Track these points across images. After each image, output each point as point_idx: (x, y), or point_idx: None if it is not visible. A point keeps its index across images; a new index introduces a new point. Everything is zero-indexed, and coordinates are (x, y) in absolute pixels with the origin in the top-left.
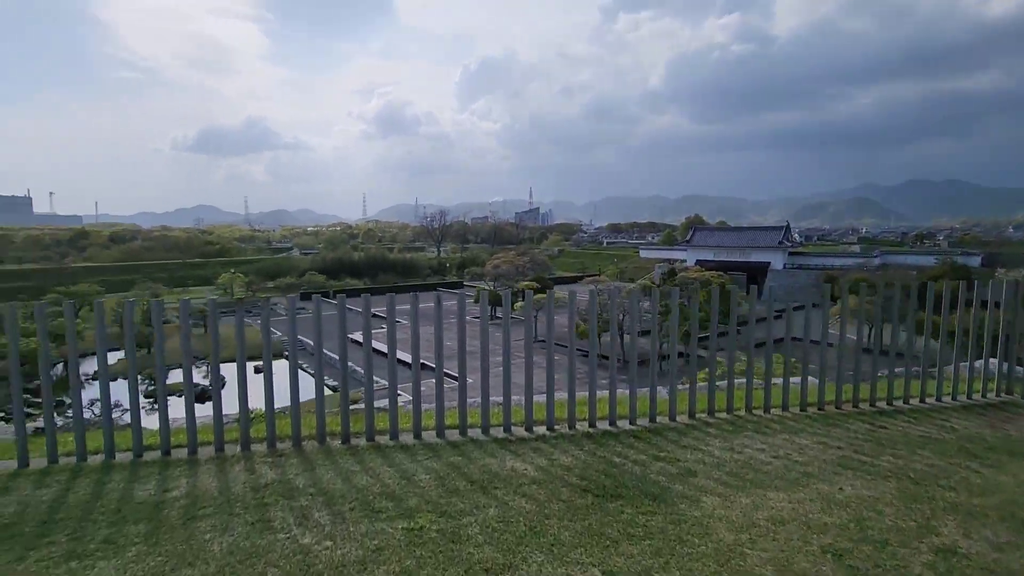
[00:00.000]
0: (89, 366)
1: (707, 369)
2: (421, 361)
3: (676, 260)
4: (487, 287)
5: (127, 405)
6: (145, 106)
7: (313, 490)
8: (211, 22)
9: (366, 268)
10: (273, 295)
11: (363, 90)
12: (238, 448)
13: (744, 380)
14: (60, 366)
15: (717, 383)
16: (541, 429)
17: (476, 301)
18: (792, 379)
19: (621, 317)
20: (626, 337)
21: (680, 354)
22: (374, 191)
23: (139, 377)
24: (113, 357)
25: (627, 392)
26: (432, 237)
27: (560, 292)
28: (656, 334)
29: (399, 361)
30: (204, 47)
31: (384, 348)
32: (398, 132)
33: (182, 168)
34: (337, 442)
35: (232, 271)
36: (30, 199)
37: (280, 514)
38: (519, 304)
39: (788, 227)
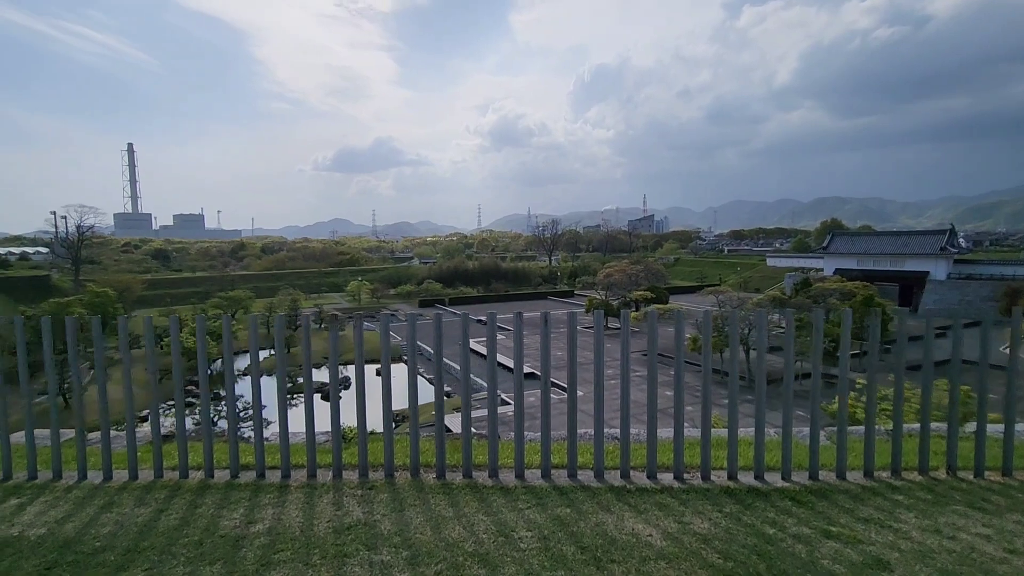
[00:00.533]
0: (245, 360)
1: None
2: (533, 372)
3: (810, 269)
4: (599, 296)
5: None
6: (293, 132)
7: (398, 539)
8: (349, 54)
9: (480, 276)
10: (394, 302)
11: (479, 106)
12: (330, 475)
13: (943, 427)
14: (218, 362)
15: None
16: (667, 477)
17: (587, 311)
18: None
19: (746, 331)
20: (752, 354)
21: (825, 376)
22: (489, 202)
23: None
24: (260, 355)
25: (772, 433)
26: (544, 246)
27: (676, 303)
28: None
29: (509, 369)
30: (342, 77)
31: (498, 358)
32: (512, 144)
33: (321, 186)
34: (432, 476)
35: (359, 279)
36: (202, 216)
37: (358, 571)
38: (633, 315)
39: (952, 230)
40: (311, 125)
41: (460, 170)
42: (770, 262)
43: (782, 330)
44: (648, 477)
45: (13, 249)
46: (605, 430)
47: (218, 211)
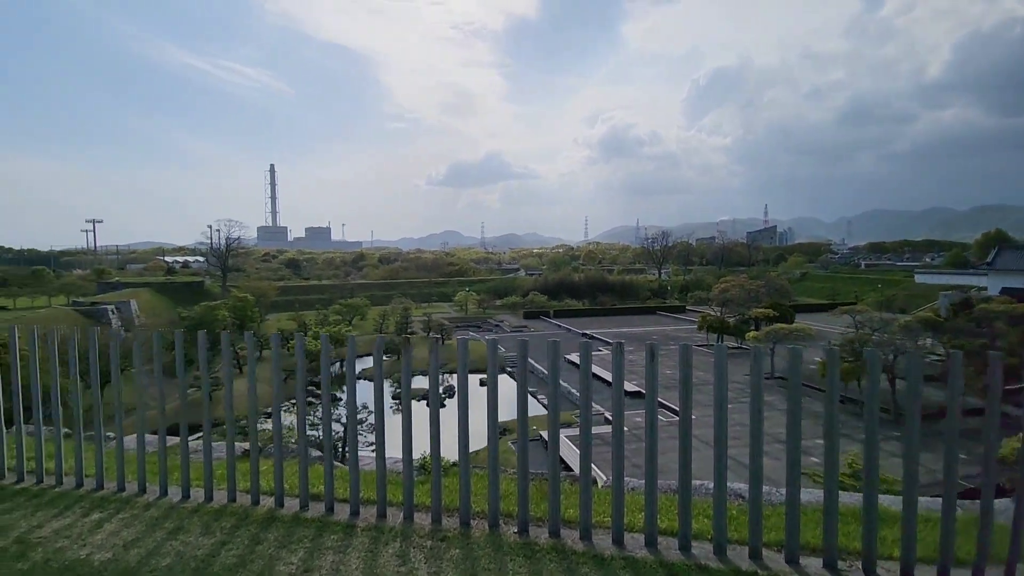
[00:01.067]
0: (359, 364)
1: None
2: (639, 390)
3: (971, 287)
4: (713, 313)
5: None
6: (409, 149)
7: None
8: (462, 73)
9: (586, 289)
10: (500, 312)
11: (588, 117)
12: (401, 516)
13: None
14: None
15: None
16: (813, 563)
17: (700, 328)
18: None
19: (891, 357)
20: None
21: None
22: (596, 214)
23: (388, 381)
24: (371, 361)
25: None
26: (653, 259)
27: (803, 323)
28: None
29: (600, 380)
30: (455, 95)
31: (600, 372)
32: (621, 155)
33: (434, 199)
34: (513, 530)
35: (467, 289)
36: (329, 229)
37: None
38: (752, 333)
39: None
40: (426, 142)
41: (567, 182)
42: (919, 279)
43: (937, 357)
44: (788, 561)
45: (179, 258)
46: (729, 483)
47: (343, 224)
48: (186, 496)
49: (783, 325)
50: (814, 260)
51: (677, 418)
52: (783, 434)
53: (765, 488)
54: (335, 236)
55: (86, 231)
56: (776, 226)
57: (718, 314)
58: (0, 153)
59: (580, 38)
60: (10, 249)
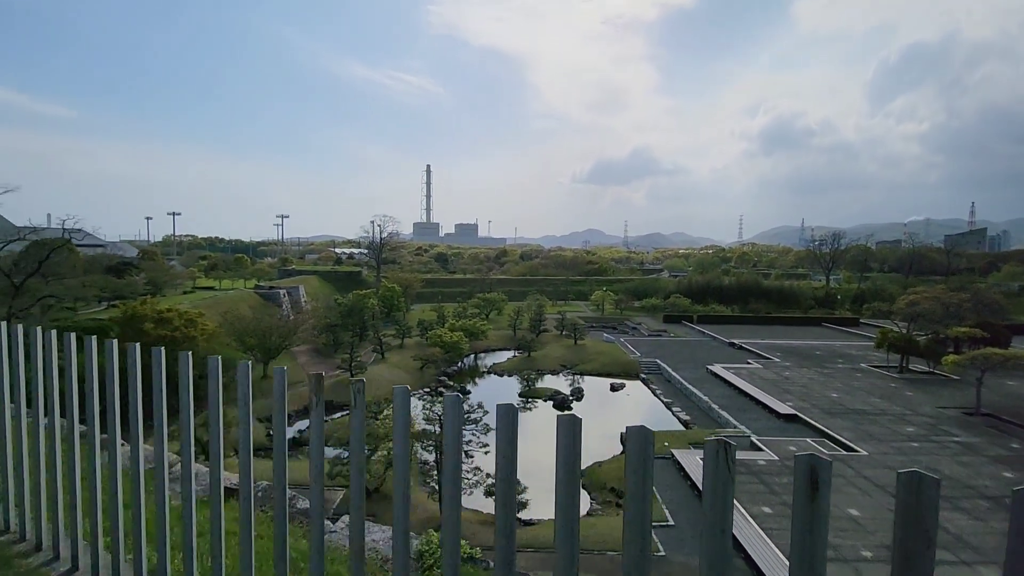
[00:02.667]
0: (491, 358)
1: None
2: (795, 413)
3: None
4: (897, 329)
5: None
6: (554, 147)
7: None
8: (612, 69)
9: (736, 294)
10: (638, 314)
11: (748, 108)
12: None
13: None
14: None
15: None
16: None
17: (879, 346)
18: None
19: None
20: None
21: None
22: (752, 212)
23: (517, 377)
24: (503, 356)
25: None
26: (820, 263)
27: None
28: None
29: (763, 406)
30: (603, 90)
31: (748, 388)
32: (785, 147)
33: (577, 197)
34: None
35: (604, 289)
36: (476, 225)
37: None
38: (951, 357)
39: None
40: (571, 139)
41: (721, 178)
42: None
43: None
44: None
45: (346, 250)
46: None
47: (489, 221)
48: None
49: (996, 350)
50: None
51: (844, 452)
52: (992, 489)
53: None
54: (482, 232)
55: (277, 225)
56: (986, 229)
57: (903, 330)
58: (210, 157)
59: (741, 22)
60: (222, 239)
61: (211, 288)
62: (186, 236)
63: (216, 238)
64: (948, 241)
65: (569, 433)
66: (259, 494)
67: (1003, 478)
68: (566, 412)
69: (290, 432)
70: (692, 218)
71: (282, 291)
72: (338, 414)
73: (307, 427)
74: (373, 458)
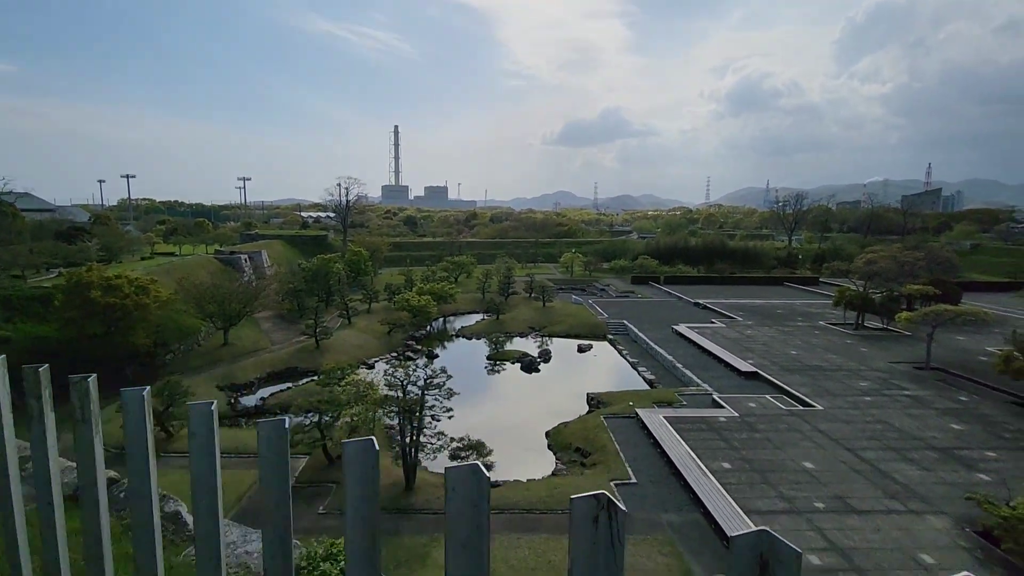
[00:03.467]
0: (460, 321)
1: None
2: (756, 371)
3: None
4: (854, 287)
5: None
6: (524, 108)
7: None
8: (582, 25)
9: (702, 255)
10: (607, 276)
11: (717, 68)
12: None
13: None
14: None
15: None
16: None
17: (836, 304)
18: None
19: None
20: None
21: None
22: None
23: (485, 340)
24: (472, 319)
25: None
26: (783, 224)
27: (972, 304)
28: None
29: (726, 364)
30: (573, 49)
31: (712, 347)
32: (752, 108)
33: (548, 159)
34: None
35: (573, 251)
36: (446, 188)
37: None
38: (904, 314)
39: None
40: (541, 99)
41: (689, 140)
42: None
43: None
44: None
45: (312, 214)
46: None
47: (459, 183)
48: None
49: (947, 306)
50: (989, 230)
51: (801, 407)
52: (940, 440)
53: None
54: (452, 195)
55: (239, 188)
56: (940, 189)
57: (860, 289)
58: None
59: None
60: (181, 204)
61: (171, 254)
62: (143, 200)
63: (176, 202)
64: (905, 202)
65: (362, 462)
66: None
67: (951, 429)
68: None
69: (252, 399)
70: (661, 180)
71: (244, 256)
72: (303, 380)
73: (269, 395)
74: (336, 424)
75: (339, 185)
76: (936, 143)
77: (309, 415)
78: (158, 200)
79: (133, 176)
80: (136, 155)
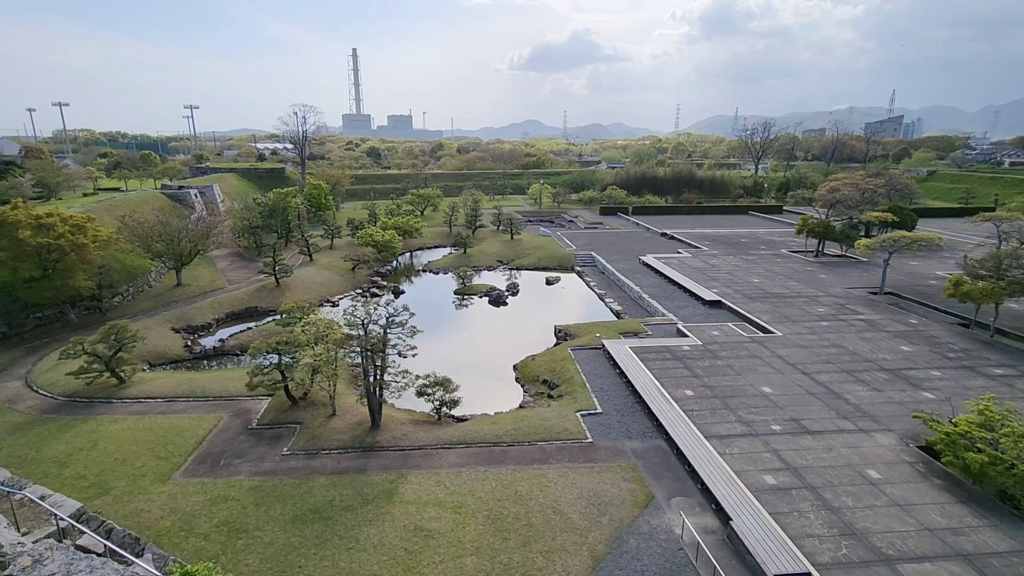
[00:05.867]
0: (426, 256)
1: None
2: (719, 299)
3: None
4: (816, 216)
5: None
6: (491, 30)
7: None
8: None
9: (670, 185)
10: (575, 207)
11: None
12: None
13: None
14: (407, 256)
15: None
16: None
17: (799, 231)
18: None
19: None
20: None
21: None
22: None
23: (453, 275)
24: (439, 253)
25: None
26: (750, 152)
27: (929, 230)
28: None
29: (691, 294)
30: None
31: (678, 277)
32: (725, 31)
33: (516, 85)
34: None
35: (541, 182)
36: (411, 117)
37: None
38: (863, 241)
39: None
40: (508, 21)
41: (660, 65)
42: None
43: None
44: None
45: (269, 145)
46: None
47: (424, 112)
48: None
49: (904, 233)
50: (945, 156)
51: (762, 334)
52: (890, 361)
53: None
54: (417, 125)
55: (186, 118)
56: (903, 116)
57: (822, 216)
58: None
59: None
60: (124, 135)
61: (116, 190)
62: (81, 131)
63: (118, 133)
64: (868, 129)
65: None
66: None
67: (900, 351)
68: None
69: (211, 341)
70: (631, 108)
71: (194, 191)
72: (266, 319)
73: (228, 336)
74: (297, 365)
75: (295, 114)
76: (903, 68)
77: (270, 356)
78: (98, 131)
79: (67, 104)
80: (71, 81)
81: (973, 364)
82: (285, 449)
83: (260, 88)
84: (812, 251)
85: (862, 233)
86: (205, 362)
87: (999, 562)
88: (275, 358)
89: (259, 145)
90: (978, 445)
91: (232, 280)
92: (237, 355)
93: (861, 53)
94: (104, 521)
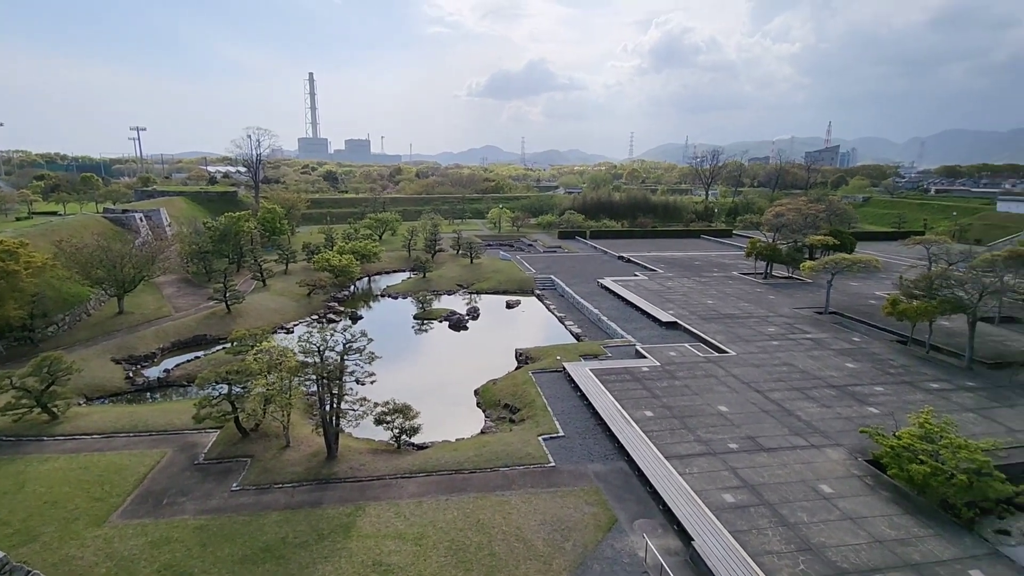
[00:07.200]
0: (385, 281)
1: None
2: (676, 321)
3: None
4: (764, 239)
5: None
6: (449, 58)
7: None
8: None
9: (625, 210)
10: (534, 231)
11: (641, 21)
12: None
13: None
14: (364, 281)
15: None
16: None
17: (748, 254)
18: None
19: (977, 298)
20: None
21: None
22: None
23: (412, 299)
24: (398, 278)
25: None
26: (701, 179)
27: (866, 252)
28: None
29: (648, 316)
30: None
31: (635, 299)
32: (674, 64)
33: (475, 112)
34: None
35: (500, 207)
36: (369, 142)
37: None
38: (808, 264)
39: None
40: (466, 49)
41: (614, 95)
42: (1002, 207)
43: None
44: None
45: (221, 168)
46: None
47: (382, 137)
48: None
49: (844, 255)
50: (878, 184)
51: (717, 354)
52: (837, 378)
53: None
54: (375, 149)
55: (132, 139)
56: (839, 146)
57: (769, 240)
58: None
59: None
60: (66, 156)
61: (53, 213)
62: (16, 152)
63: (57, 155)
64: (808, 158)
65: None
66: None
67: (846, 368)
68: None
69: (155, 371)
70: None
71: (139, 214)
72: (215, 348)
73: (174, 366)
74: (248, 395)
75: (249, 136)
76: (837, 102)
77: (219, 387)
78: (35, 153)
79: (0, 124)
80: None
81: (912, 379)
82: (235, 484)
83: (214, 110)
84: (761, 273)
85: (806, 256)
86: (148, 394)
87: (944, 571)
88: (225, 388)
89: (210, 168)
90: (920, 457)
91: (179, 307)
92: (184, 386)
93: (799, 88)
94: (29, 571)
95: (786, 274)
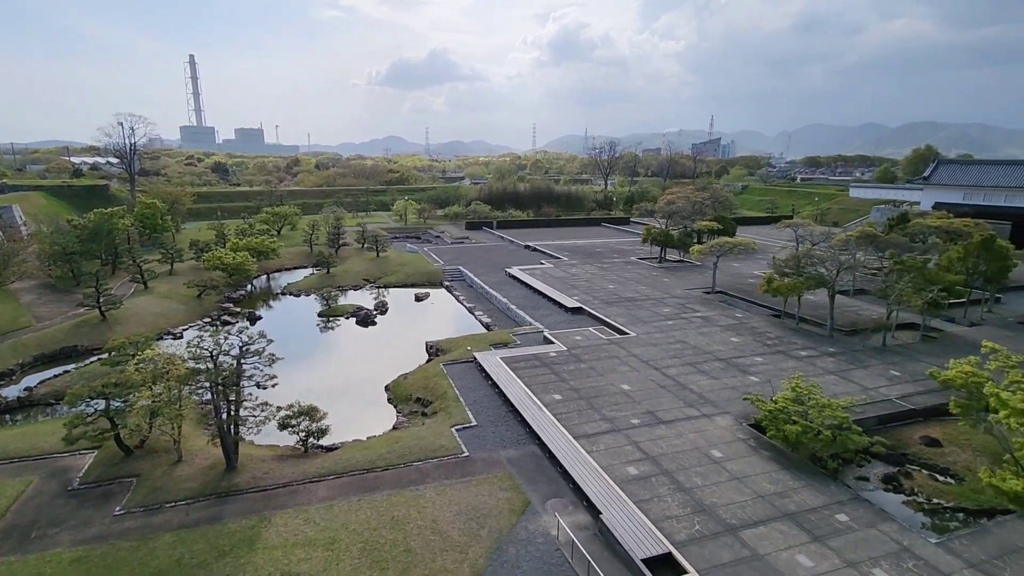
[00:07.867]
0: (285, 278)
1: None
2: (580, 306)
3: (902, 202)
4: (658, 226)
5: None
6: (347, 44)
7: None
8: None
9: (530, 199)
10: (441, 223)
11: (539, 15)
12: None
13: None
14: (263, 279)
15: None
16: None
17: (645, 240)
18: None
19: (835, 273)
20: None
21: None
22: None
23: (316, 296)
24: (300, 275)
25: None
26: (600, 169)
27: (745, 236)
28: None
29: (554, 302)
30: None
31: (542, 287)
32: (572, 58)
33: (376, 101)
34: None
35: (406, 198)
36: (262, 131)
37: None
38: (696, 247)
39: None
40: (365, 36)
41: (516, 86)
42: (853, 193)
43: (875, 272)
44: None
45: (88, 159)
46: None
47: (276, 126)
48: None
49: (727, 238)
50: (754, 173)
51: (619, 336)
52: (723, 352)
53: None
54: (269, 139)
55: None
56: (720, 138)
57: (663, 226)
58: None
59: None
60: None
61: None
62: None
63: None
64: (694, 149)
65: None
66: None
67: (730, 342)
68: None
69: (13, 391)
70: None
71: None
72: (89, 359)
73: (38, 383)
74: (131, 410)
75: (120, 124)
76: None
77: (94, 402)
78: None
79: None
80: None
81: (785, 349)
82: (118, 508)
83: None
84: (656, 258)
85: (695, 240)
86: (7, 417)
87: (815, 516)
88: (102, 404)
89: (75, 159)
90: (793, 418)
91: (42, 316)
92: (51, 404)
93: (686, 84)
94: None
95: (678, 258)
